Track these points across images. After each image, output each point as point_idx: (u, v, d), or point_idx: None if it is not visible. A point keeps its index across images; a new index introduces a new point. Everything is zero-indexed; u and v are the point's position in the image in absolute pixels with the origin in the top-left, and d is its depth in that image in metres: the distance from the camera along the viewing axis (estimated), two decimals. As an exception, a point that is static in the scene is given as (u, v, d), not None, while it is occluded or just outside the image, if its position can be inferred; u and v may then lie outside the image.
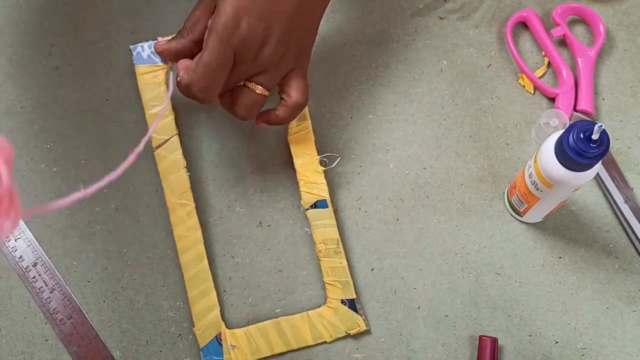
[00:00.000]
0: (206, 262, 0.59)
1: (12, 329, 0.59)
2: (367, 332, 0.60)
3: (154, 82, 0.61)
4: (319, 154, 0.62)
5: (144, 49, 0.62)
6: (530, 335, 0.60)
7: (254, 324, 0.59)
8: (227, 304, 0.60)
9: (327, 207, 0.61)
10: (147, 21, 0.68)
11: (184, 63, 0.56)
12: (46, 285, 0.59)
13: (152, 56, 0.62)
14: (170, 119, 0.61)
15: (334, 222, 0.61)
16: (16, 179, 0.63)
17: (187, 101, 0.64)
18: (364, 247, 0.62)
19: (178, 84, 0.56)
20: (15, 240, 0.61)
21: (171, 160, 0.60)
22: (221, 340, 0.58)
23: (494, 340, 0.58)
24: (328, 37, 0.68)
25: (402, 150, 0.65)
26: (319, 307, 0.60)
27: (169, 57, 0.59)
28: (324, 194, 0.61)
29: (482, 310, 0.61)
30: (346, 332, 0.59)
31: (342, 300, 0.59)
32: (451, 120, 0.66)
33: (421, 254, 0.62)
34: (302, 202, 0.61)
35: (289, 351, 0.59)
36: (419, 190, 0.64)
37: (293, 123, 0.62)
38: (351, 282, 0.60)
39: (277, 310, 0.60)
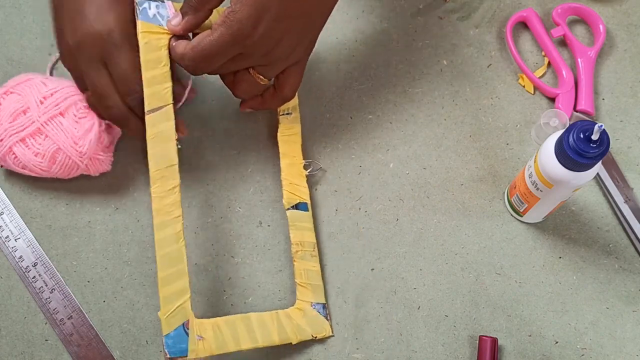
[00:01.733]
0: (183, 243, 0.54)
1: (12, 329, 0.59)
2: (367, 332, 0.60)
3: (156, 45, 0.56)
4: (306, 158, 0.63)
5: (151, 7, 0.56)
6: (530, 335, 0.60)
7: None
8: (227, 304, 0.60)
9: (308, 210, 0.61)
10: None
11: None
12: (46, 285, 0.59)
13: (158, 17, 0.56)
14: (166, 87, 0.56)
15: (312, 226, 0.61)
16: (16, 178, 0.63)
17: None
18: (364, 247, 0.62)
19: (172, 49, 0.56)
20: (15, 240, 0.61)
21: (161, 129, 0.55)
22: (188, 328, 0.53)
23: (494, 340, 0.58)
24: (328, 37, 0.68)
25: (402, 150, 0.65)
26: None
27: (187, 33, 0.56)
28: (305, 197, 0.62)
29: (482, 310, 0.61)
30: (312, 336, 0.58)
31: (312, 303, 0.59)
32: (451, 120, 0.66)
33: (421, 254, 0.62)
34: (284, 202, 0.61)
35: (254, 348, 0.56)
36: (419, 190, 0.64)
37: (284, 125, 0.63)
38: (322, 287, 0.60)
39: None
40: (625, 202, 0.63)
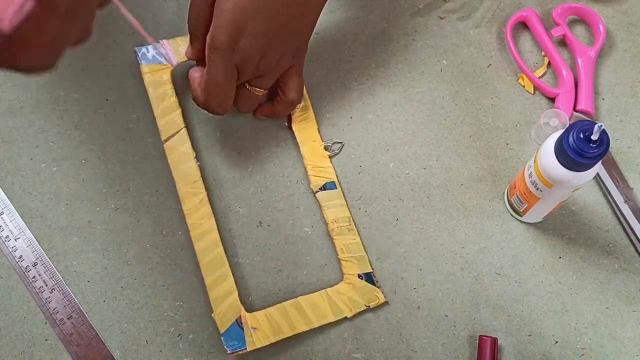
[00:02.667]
0: (221, 248, 0.59)
1: (12, 329, 0.59)
2: (367, 332, 0.60)
3: (159, 81, 0.63)
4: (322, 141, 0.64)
5: (149, 50, 0.63)
6: (530, 335, 0.60)
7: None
8: (227, 304, 0.60)
9: (336, 188, 0.63)
10: (147, 21, 0.68)
11: (195, 73, 0.60)
12: (46, 285, 0.59)
13: (157, 56, 0.63)
14: (177, 114, 0.62)
15: (344, 202, 0.62)
16: (16, 178, 0.63)
17: (188, 104, 0.65)
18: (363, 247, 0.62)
19: (194, 101, 0.60)
20: (15, 240, 0.61)
21: (181, 151, 0.61)
22: (242, 323, 0.58)
23: (494, 340, 0.58)
24: (328, 37, 0.68)
25: (402, 150, 0.65)
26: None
27: (195, 57, 0.61)
28: (332, 176, 0.63)
29: (482, 310, 0.61)
30: (366, 306, 0.59)
31: (358, 275, 0.60)
32: (451, 120, 0.66)
33: (421, 254, 0.62)
34: (311, 186, 0.62)
35: (310, 330, 0.59)
36: (419, 190, 0.64)
37: (296, 113, 0.64)
38: (366, 257, 0.61)
39: (277, 310, 0.60)
40: (625, 202, 0.63)
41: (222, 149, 0.64)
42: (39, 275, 0.60)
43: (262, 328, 0.58)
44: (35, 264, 0.60)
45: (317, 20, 0.59)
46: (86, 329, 0.59)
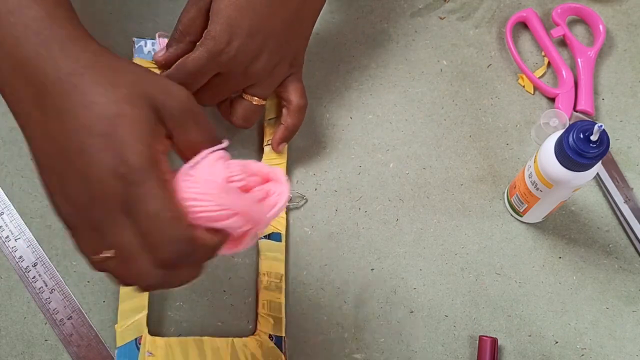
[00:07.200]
0: None
1: (12, 329, 0.59)
2: (367, 332, 0.60)
3: None
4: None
5: (147, 44, 0.62)
6: (530, 335, 0.60)
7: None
8: (227, 304, 0.60)
9: (281, 241, 0.60)
10: (147, 21, 0.67)
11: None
12: (46, 285, 0.59)
13: (153, 53, 0.61)
14: None
15: (283, 257, 0.60)
16: (16, 178, 0.63)
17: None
18: (364, 247, 0.62)
19: None
20: (15, 240, 0.61)
21: None
22: (140, 344, 0.56)
23: (494, 340, 0.58)
24: (328, 37, 0.68)
25: (402, 150, 0.65)
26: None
27: (170, 65, 0.57)
28: (280, 227, 0.61)
29: (482, 310, 0.61)
30: None
31: (270, 335, 0.58)
32: (451, 120, 0.66)
33: (421, 254, 0.62)
34: None
35: None
36: (419, 190, 0.64)
37: (267, 155, 0.62)
38: (284, 321, 0.59)
39: (277, 310, 0.60)
40: (625, 202, 0.63)
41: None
42: (39, 275, 0.60)
43: (158, 356, 0.56)
44: (35, 264, 0.60)
45: (312, 27, 0.59)
46: (86, 330, 0.59)
